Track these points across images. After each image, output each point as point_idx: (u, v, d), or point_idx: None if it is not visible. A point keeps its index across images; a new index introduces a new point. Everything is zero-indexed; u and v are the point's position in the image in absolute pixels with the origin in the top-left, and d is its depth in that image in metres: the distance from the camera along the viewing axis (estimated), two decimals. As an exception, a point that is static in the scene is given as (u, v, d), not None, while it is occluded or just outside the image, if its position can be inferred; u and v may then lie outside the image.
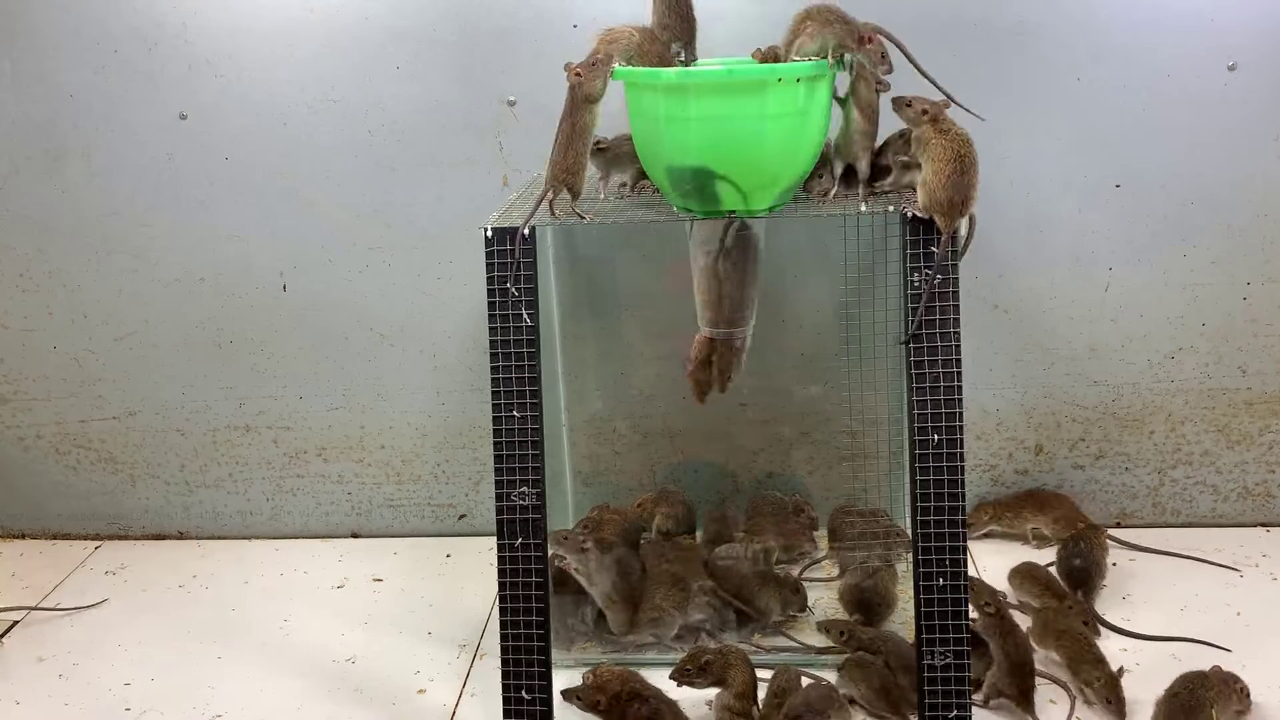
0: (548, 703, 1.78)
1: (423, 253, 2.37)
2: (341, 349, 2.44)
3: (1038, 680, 1.82)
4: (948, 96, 1.75)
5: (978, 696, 1.80)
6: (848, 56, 1.75)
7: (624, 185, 1.96)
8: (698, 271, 1.99)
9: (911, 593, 1.83)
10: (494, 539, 1.80)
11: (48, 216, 2.41)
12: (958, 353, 1.69)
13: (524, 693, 1.78)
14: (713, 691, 1.79)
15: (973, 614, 1.76)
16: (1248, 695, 1.76)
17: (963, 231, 1.73)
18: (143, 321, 2.46)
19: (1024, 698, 1.79)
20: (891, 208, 1.75)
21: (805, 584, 2.10)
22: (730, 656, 1.76)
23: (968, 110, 1.75)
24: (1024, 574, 2.13)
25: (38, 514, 2.60)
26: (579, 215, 1.80)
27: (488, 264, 1.76)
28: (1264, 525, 2.39)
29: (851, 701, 1.81)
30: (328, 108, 2.31)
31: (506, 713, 1.79)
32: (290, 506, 2.55)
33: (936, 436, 1.70)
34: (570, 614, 2.02)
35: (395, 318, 2.41)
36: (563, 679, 1.93)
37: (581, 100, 1.74)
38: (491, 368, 1.76)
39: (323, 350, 2.45)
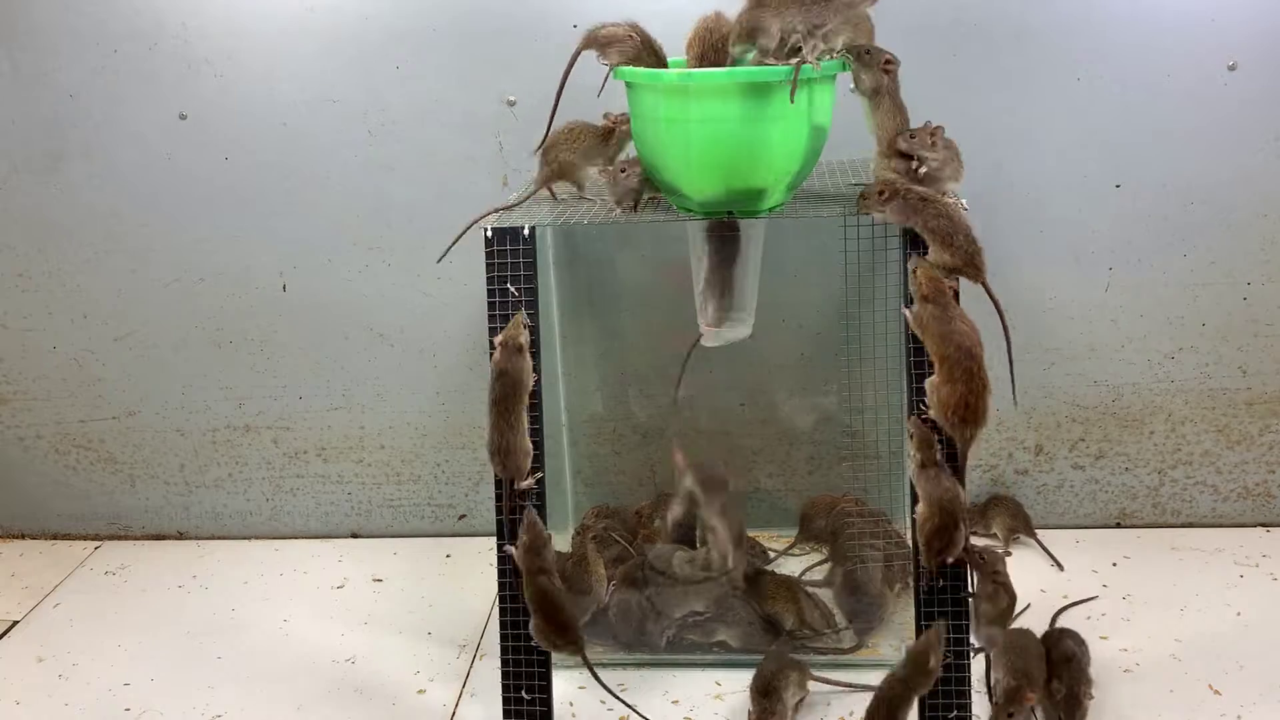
0: (548, 703, 1.79)
1: (423, 253, 2.36)
2: (341, 349, 2.44)
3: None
4: None
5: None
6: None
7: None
8: (698, 270, 1.99)
9: (908, 592, 1.85)
10: (494, 539, 1.80)
11: (48, 216, 2.41)
12: (958, 353, 1.69)
13: (524, 693, 1.79)
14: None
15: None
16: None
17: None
18: (143, 321, 2.46)
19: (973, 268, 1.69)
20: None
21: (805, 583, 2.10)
22: None
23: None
24: None
25: (38, 514, 2.60)
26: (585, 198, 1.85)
27: (488, 264, 1.76)
28: (1264, 525, 2.39)
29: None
30: (328, 108, 2.31)
31: (506, 713, 1.79)
32: (290, 506, 2.55)
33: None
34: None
35: (395, 318, 2.41)
36: (562, 679, 1.93)
37: None
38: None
39: (323, 350, 2.45)
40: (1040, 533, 2.34)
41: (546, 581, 1.73)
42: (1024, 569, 2.21)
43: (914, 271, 1.68)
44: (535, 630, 1.74)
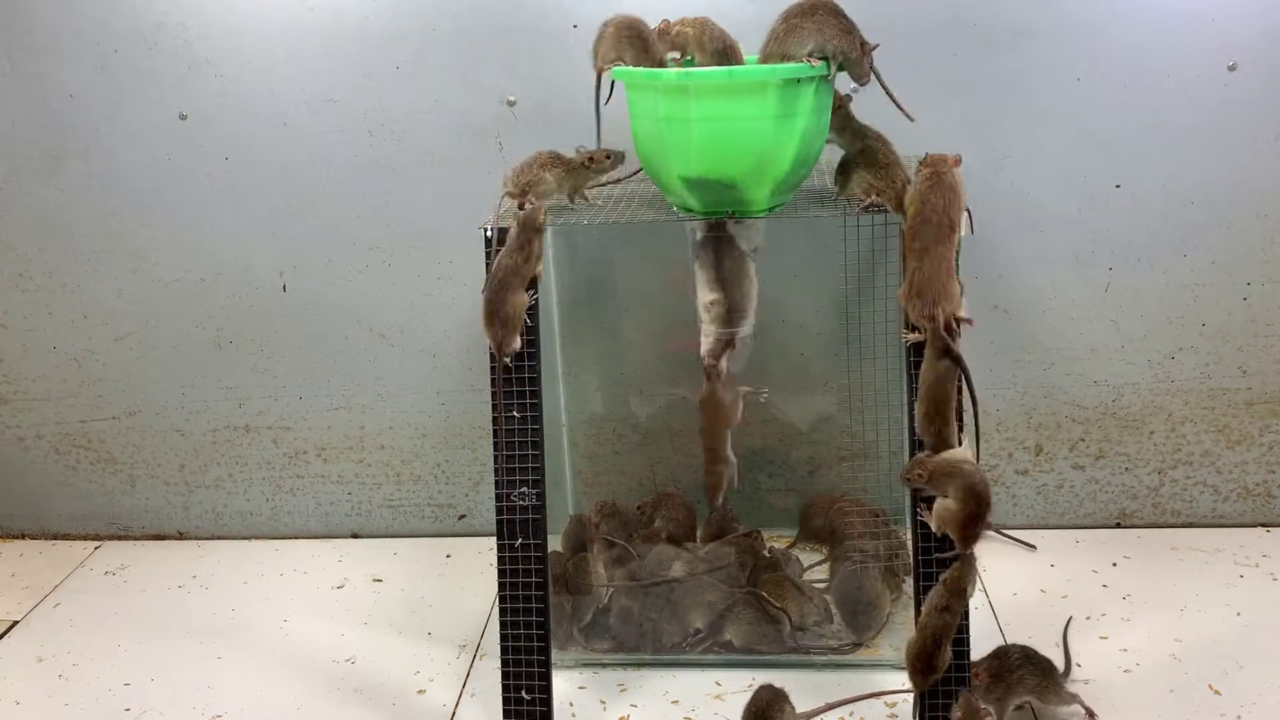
0: (548, 703, 1.79)
1: (423, 253, 2.37)
2: (341, 349, 2.44)
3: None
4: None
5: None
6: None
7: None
8: (697, 271, 1.99)
9: (906, 593, 1.85)
10: (494, 539, 1.80)
11: (48, 216, 2.41)
12: (958, 353, 1.69)
13: (524, 693, 1.79)
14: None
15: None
16: None
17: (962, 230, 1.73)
18: (143, 321, 2.46)
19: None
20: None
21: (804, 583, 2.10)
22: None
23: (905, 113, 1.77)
24: None
25: (38, 514, 2.61)
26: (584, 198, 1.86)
27: (487, 264, 1.76)
28: (1264, 525, 2.39)
29: None
30: (328, 108, 2.31)
31: (506, 713, 1.79)
32: (290, 506, 2.55)
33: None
34: (569, 616, 2.02)
35: (395, 318, 2.41)
36: (562, 679, 1.93)
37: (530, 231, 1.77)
38: (491, 368, 1.76)
39: (323, 350, 2.45)
40: (1040, 533, 2.35)
41: (514, 261, 1.74)
42: (1023, 569, 2.21)
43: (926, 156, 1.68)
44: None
